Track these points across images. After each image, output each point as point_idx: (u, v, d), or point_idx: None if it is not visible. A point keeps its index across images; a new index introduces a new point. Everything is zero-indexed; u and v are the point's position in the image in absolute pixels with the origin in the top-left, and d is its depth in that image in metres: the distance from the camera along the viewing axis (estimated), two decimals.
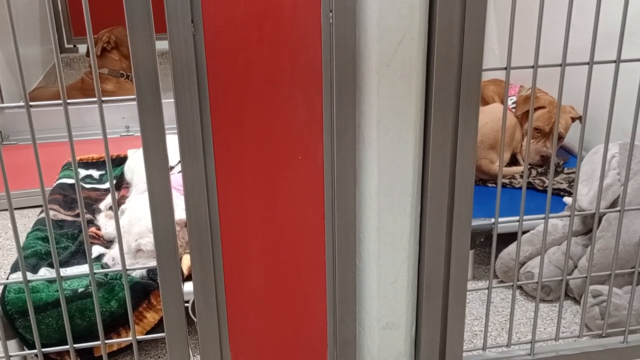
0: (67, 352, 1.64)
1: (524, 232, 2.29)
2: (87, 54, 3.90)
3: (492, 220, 1.61)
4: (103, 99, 1.28)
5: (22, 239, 2.24)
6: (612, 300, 1.95)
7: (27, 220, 2.82)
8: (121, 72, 3.91)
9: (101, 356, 1.54)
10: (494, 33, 3.62)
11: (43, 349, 1.52)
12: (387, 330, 1.60)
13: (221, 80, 1.32)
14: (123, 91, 3.85)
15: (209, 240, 1.43)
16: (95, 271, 1.43)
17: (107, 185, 2.70)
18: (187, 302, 1.57)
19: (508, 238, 2.28)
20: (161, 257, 1.41)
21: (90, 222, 2.34)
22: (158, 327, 1.95)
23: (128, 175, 2.61)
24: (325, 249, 1.50)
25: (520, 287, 2.32)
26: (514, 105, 2.88)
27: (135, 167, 2.52)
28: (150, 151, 1.32)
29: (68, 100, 1.27)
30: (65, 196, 2.56)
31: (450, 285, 1.57)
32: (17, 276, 1.97)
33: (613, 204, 2.12)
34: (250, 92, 1.34)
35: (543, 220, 1.64)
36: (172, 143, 1.32)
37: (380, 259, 1.52)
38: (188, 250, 1.53)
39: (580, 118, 2.80)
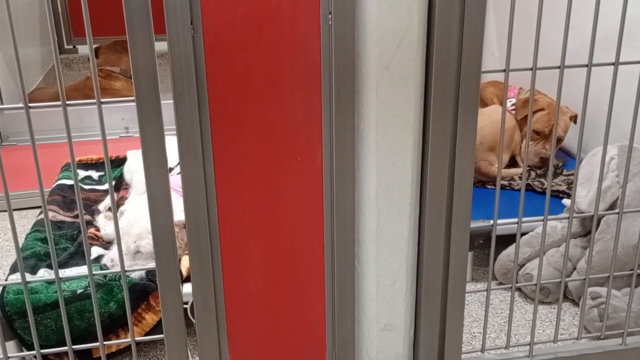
0: (66, 353, 1.64)
1: (522, 234, 2.29)
2: (97, 55, 3.90)
3: (491, 221, 1.62)
4: (102, 100, 1.29)
5: (21, 240, 2.24)
6: (610, 302, 1.95)
7: (26, 221, 2.82)
8: (131, 73, 3.92)
9: (100, 357, 1.54)
10: (493, 35, 3.62)
11: (42, 350, 1.52)
12: (386, 332, 1.60)
13: (220, 81, 1.32)
14: (130, 91, 3.86)
15: (207, 242, 1.43)
16: (94, 272, 1.43)
17: (106, 187, 2.70)
18: (186, 303, 1.57)
19: (507, 240, 2.28)
20: (160, 258, 1.42)
21: (90, 223, 2.34)
22: (157, 328, 1.95)
23: (127, 176, 2.61)
24: (324, 250, 1.50)
25: (519, 289, 2.32)
26: (513, 107, 2.89)
27: (135, 169, 2.52)
28: (150, 152, 1.32)
29: (67, 102, 1.27)
30: (64, 197, 2.56)
31: (449, 287, 1.57)
32: (16, 277, 1.97)
33: (612, 206, 2.12)
34: (249, 93, 1.34)
35: (542, 222, 1.64)
36: (171, 144, 1.33)
37: (379, 260, 1.52)
38: (187, 252, 1.53)
39: (575, 117, 2.80)
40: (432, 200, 1.48)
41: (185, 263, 1.94)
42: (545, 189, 2.56)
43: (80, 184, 2.67)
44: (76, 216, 2.43)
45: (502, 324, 2.17)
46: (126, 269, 1.46)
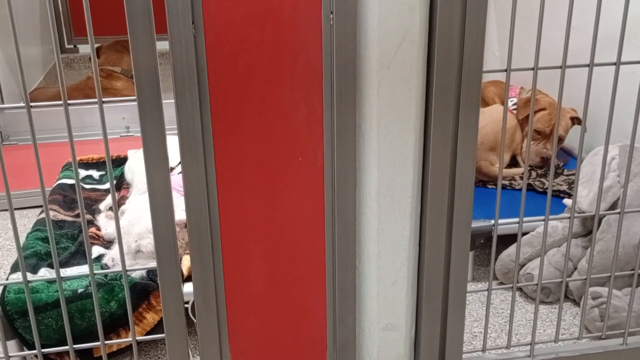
0: (67, 352, 1.64)
1: (523, 234, 2.29)
2: (98, 54, 3.91)
3: (492, 221, 1.62)
4: (104, 99, 1.29)
5: (22, 239, 2.24)
6: (611, 302, 1.95)
7: (27, 221, 2.82)
8: (132, 73, 3.93)
9: (101, 357, 1.54)
10: (494, 34, 3.62)
11: (43, 350, 1.52)
12: (387, 331, 1.60)
13: (222, 81, 1.32)
14: (131, 90, 3.87)
15: (209, 241, 1.43)
16: (95, 272, 1.43)
17: (107, 186, 2.70)
18: (187, 302, 1.57)
19: (508, 239, 2.28)
20: (161, 257, 1.41)
21: (90, 223, 2.34)
22: (158, 327, 1.95)
23: (128, 175, 2.61)
24: (325, 250, 1.50)
25: (519, 289, 2.32)
26: (514, 107, 2.89)
27: (136, 168, 2.52)
28: (151, 152, 1.32)
29: (68, 101, 1.27)
30: (65, 196, 2.56)
31: (450, 286, 1.57)
32: (17, 276, 1.97)
33: (613, 206, 2.12)
34: (250, 93, 1.34)
35: (543, 222, 1.64)
36: (173, 144, 1.32)
37: (380, 260, 1.52)
38: (188, 251, 1.53)
39: (579, 120, 2.80)
40: (433, 200, 1.48)
41: (186, 262, 1.94)
42: (546, 188, 2.56)
43: (81, 184, 2.67)
44: (77, 215, 2.43)
45: (503, 324, 2.17)
46: (127, 268, 1.46)
